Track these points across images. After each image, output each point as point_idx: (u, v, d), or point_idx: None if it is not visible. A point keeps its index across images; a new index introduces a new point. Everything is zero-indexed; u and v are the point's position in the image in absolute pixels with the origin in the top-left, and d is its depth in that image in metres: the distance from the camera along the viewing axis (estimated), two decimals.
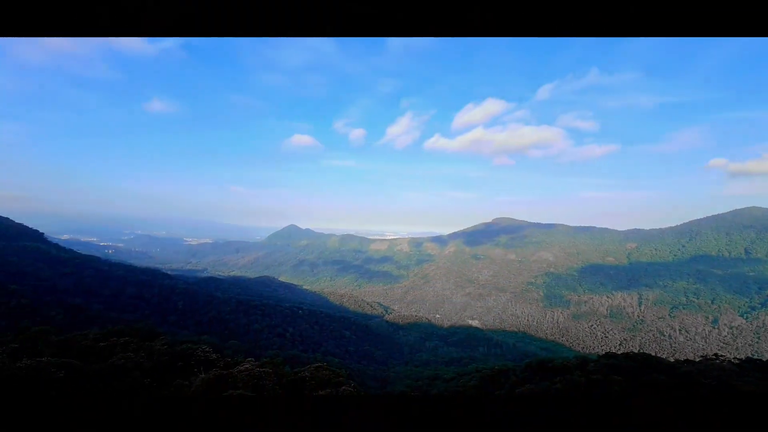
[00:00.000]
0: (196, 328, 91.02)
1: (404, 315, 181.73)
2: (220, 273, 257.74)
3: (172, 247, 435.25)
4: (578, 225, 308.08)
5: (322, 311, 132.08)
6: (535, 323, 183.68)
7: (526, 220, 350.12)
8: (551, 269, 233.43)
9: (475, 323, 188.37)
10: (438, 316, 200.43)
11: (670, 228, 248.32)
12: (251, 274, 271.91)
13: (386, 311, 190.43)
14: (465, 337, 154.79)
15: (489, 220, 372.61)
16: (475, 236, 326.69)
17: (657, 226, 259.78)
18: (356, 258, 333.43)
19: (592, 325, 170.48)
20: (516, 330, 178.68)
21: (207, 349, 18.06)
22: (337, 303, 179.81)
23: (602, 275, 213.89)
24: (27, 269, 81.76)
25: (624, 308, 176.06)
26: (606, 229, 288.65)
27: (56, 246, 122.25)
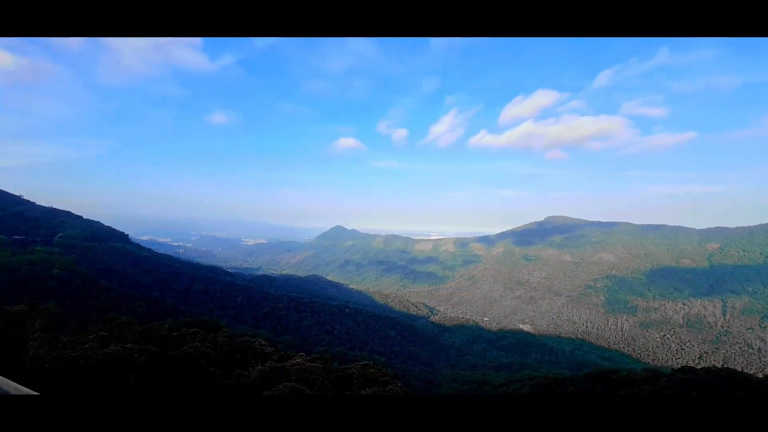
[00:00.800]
0: (253, 322, 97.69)
1: (450, 316, 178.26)
2: (273, 271, 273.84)
3: (231, 247, 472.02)
4: (646, 223, 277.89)
5: (367, 310, 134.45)
6: (595, 330, 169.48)
7: (583, 218, 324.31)
8: (613, 272, 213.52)
9: (526, 328, 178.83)
10: (486, 319, 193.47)
11: (761, 225, 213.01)
12: (301, 272, 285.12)
13: (431, 312, 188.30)
14: (515, 341, 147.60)
15: (541, 218, 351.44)
16: (526, 236, 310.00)
17: (744, 224, 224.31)
18: (401, 258, 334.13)
19: (664, 335, 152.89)
20: (573, 337, 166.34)
21: (263, 342, 19.28)
22: (382, 302, 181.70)
23: (676, 279, 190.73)
24: (115, 267, 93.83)
25: (704, 317, 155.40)
26: (680, 227, 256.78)
27: (138, 246, 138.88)
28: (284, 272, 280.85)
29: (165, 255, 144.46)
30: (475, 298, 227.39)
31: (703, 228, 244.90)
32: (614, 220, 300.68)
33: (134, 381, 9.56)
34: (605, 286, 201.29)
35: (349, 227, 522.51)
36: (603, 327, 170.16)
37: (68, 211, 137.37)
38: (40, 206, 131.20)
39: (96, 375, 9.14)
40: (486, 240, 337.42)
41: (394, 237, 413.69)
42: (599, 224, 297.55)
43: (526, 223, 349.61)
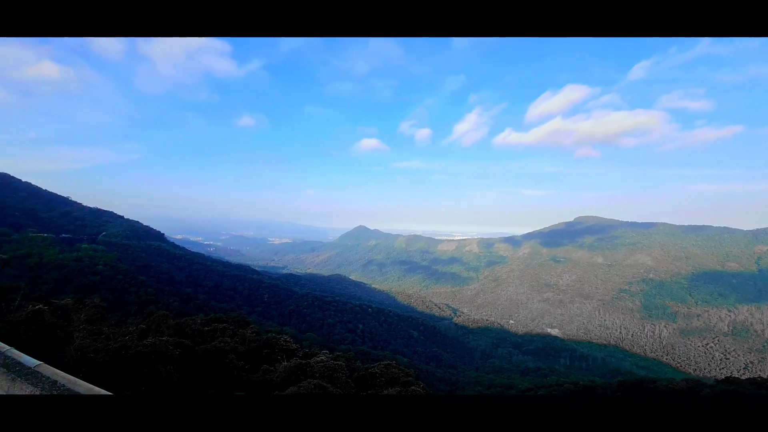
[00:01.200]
0: (279, 319, 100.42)
1: (474, 318, 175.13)
2: (298, 270, 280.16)
3: (258, 246, 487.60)
4: (686, 224, 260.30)
5: (390, 310, 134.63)
6: (630, 337, 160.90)
7: (616, 218, 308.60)
8: (650, 275, 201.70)
9: (554, 332, 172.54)
10: (511, 321, 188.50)
11: None
12: (325, 272, 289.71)
13: (455, 313, 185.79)
14: (543, 346, 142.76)
15: (570, 218, 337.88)
16: (554, 237, 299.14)
17: None
18: (423, 258, 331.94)
19: (707, 344, 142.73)
20: (605, 343, 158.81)
21: (288, 339, 19.75)
22: (405, 303, 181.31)
23: (721, 284, 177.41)
24: (152, 263, 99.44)
25: (751, 325, 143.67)
26: (726, 228, 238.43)
27: (173, 244, 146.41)
28: (308, 271, 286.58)
29: (197, 253, 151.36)
30: (500, 300, 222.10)
31: (751, 229, 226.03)
32: (651, 220, 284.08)
33: (169, 373, 10.06)
34: (641, 290, 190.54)
35: (371, 227, 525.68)
36: (639, 333, 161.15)
37: (111, 212, 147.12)
38: (86, 207, 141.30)
39: (135, 365, 9.70)
40: (511, 241, 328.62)
41: (417, 237, 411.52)
42: (634, 225, 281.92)
43: (554, 224, 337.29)
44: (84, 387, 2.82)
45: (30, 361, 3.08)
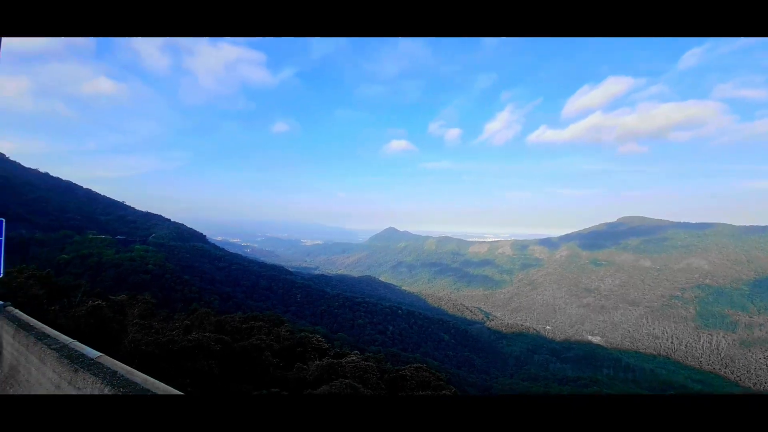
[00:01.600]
0: (311, 318, 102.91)
1: (508, 323, 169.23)
2: (329, 271, 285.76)
3: (291, 247, 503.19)
4: (749, 224, 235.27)
5: (420, 312, 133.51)
6: (683, 347, 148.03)
7: (666, 218, 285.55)
8: (706, 281, 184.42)
9: (596, 340, 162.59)
10: (548, 327, 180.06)
11: None
12: (355, 273, 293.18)
13: (487, 317, 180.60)
14: (583, 354, 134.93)
15: (613, 219, 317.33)
16: (595, 238, 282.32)
17: None
18: (454, 260, 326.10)
19: None
20: (654, 353, 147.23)
21: (320, 338, 20.16)
22: (435, 305, 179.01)
23: None
24: (195, 264, 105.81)
25: None
26: None
27: (214, 246, 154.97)
28: (339, 272, 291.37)
29: (235, 254, 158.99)
30: (535, 304, 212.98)
31: None
32: (706, 220, 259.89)
33: (211, 367, 10.61)
34: (696, 296, 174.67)
35: (401, 229, 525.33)
36: (693, 344, 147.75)
37: (159, 215, 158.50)
38: (138, 211, 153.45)
39: (181, 359, 10.33)
40: (548, 243, 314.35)
41: (447, 239, 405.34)
42: (687, 225, 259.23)
43: (594, 225, 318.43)
44: (140, 377, 2.95)
45: (92, 352, 3.40)
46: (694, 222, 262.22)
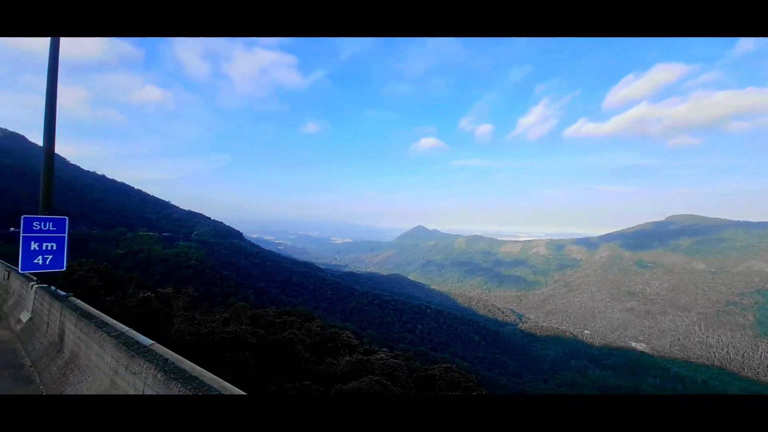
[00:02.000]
0: (341, 315, 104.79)
1: (542, 326, 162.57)
2: (358, 269, 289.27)
3: (322, 245, 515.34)
4: None
5: (449, 312, 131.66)
6: (740, 358, 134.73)
7: (723, 217, 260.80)
8: (767, 285, 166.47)
9: (640, 347, 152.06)
10: (586, 332, 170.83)
11: None
12: (383, 271, 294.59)
13: (520, 319, 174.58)
14: (625, 361, 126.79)
15: (661, 218, 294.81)
16: (640, 238, 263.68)
17: None
18: (485, 260, 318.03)
19: None
20: (707, 363, 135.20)
21: (349, 334, 20.50)
22: (465, 305, 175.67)
23: None
24: (233, 260, 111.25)
25: None
26: None
27: (250, 243, 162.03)
28: (368, 270, 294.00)
29: (269, 251, 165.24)
30: (572, 307, 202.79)
31: None
32: None
33: (247, 359, 11.13)
34: (756, 303, 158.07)
35: (430, 227, 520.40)
36: (750, 354, 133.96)
37: (201, 213, 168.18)
38: (182, 209, 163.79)
39: (220, 350, 10.93)
40: (586, 242, 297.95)
41: (478, 237, 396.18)
42: (747, 224, 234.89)
43: (639, 224, 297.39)
44: (188, 365, 3.14)
45: (145, 340, 3.73)
46: (755, 221, 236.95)
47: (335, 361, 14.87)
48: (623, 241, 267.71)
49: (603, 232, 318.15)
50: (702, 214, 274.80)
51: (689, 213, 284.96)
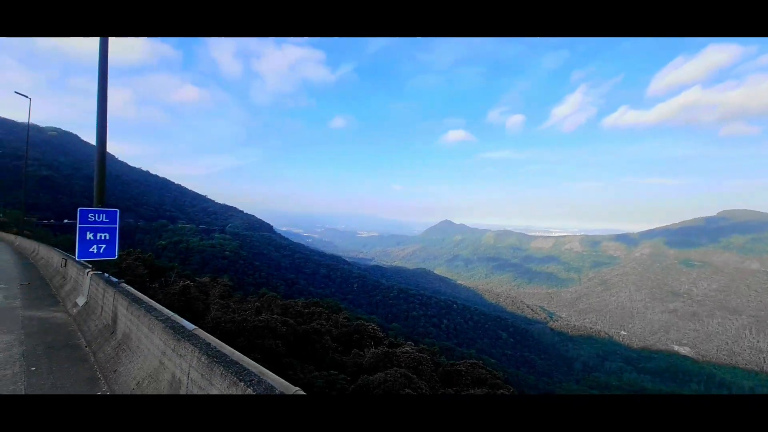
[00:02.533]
0: (367, 308, 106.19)
1: (575, 325, 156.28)
2: (384, 262, 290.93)
3: (348, 238, 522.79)
4: None
5: (476, 308, 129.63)
6: None
7: None
8: None
9: (683, 351, 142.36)
10: (623, 332, 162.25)
11: None
12: (409, 265, 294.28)
13: (550, 317, 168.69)
14: (666, 365, 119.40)
15: (711, 213, 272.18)
16: (687, 235, 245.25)
17: None
18: (514, 256, 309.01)
19: None
20: (756, 370, 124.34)
21: (375, 327, 20.76)
22: (493, 302, 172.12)
23: None
24: (263, 251, 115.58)
25: None
26: None
27: (279, 235, 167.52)
28: (394, 264, 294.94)
29: (298, 244, 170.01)
30: (608, 306, 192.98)
31: None
32: None
33: (277, 346, 11.60)
34: None
35: (457, 222, 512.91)
36: None
37: (234, 207, 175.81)
38: (217, 203, 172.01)
39: (253, 337, 11.46)
40: (625, 239, 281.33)
41: (507, 232, 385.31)
42: None
43: (686, 219, 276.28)
44: (228, 350, 3.37)
45: (189, 325, 4.01)
46: None
47: (361, 353, 15.15)
48: (668, 238, 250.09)
49: (643, 228, 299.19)
50: (758, 209, 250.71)
51: (744, 208, 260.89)
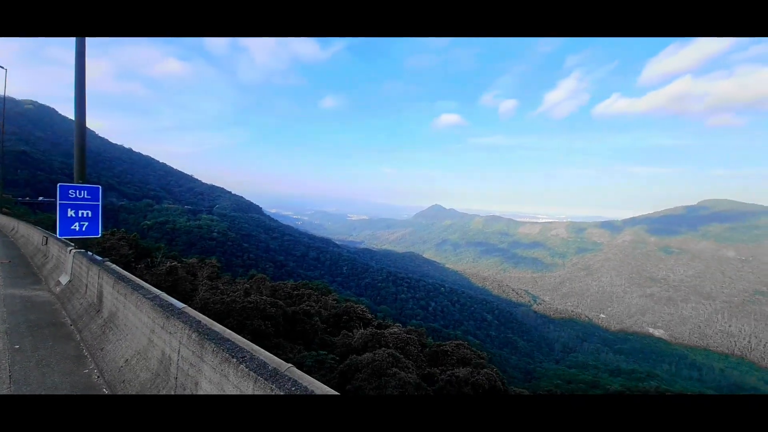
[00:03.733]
0: (356, 290, 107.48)
1: (557, 308, 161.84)
2: (373, 246, 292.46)
3: (338, 221, 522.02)
4: None
5: (463, 291, 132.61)
6: (761, 347, 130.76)
7: (760, 203, 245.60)
8: None
9: (658, 333, 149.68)
10: (602, 315, 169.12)
11: None
12: (399, 249, 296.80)
13: (534, 301, 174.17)
14: (641, 347, 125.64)
15: (692, 202, 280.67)
16: (668, 223, 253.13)
17: None
18: (501, 241, 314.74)
19: None
20: (727, 352, 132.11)
21: (364, 308, 21.08)
22: (479, 285, 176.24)
23: None
24: (252, 233, 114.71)
25: None
26: None
27: (269, 217, 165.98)
28: (383, 247, 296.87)
29: (288, 226, 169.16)
30: (589, 290, 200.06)
31: None
32: None
33: (267, 327, 11.71)
34: None
35: (447, 207, 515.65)
36: None
37: (222, 188, 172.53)
38: (204, 183, 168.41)
39: (242, 318, 11.52)
40: (609, 226, 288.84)
41: (495, 218, 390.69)
42: None
43: (668, 208, 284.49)
44: (218, 327, 3.39)
45: (178, 303, 3.99)
46: None
47: (350, 334, 15.44)
48: (650, 226, 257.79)
49: (628, 215, 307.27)
50: (737, 199, 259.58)
51: (724, 197, 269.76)
